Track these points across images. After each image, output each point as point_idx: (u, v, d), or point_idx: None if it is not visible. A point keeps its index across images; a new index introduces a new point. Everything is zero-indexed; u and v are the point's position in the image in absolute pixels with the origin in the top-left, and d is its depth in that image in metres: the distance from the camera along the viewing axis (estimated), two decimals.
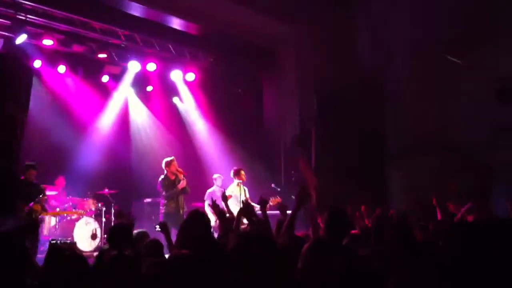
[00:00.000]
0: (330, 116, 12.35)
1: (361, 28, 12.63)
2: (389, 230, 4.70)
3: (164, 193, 10.38)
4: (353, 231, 5.68)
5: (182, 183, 10.41)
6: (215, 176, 11.53)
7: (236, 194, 10.88)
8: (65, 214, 11.09)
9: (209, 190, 11.33)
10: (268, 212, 7.57)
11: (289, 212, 7.28)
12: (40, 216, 10.08)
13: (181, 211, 10.34)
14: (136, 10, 11.41)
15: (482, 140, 11.10)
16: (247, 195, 11.05)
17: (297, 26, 12.65)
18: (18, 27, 10.78)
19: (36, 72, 11.68)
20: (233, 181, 11.14)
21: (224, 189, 11.16)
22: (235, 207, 10.64)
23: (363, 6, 12.57)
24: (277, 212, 10.87)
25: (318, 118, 12.54)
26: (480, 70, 11.13)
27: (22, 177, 9.79)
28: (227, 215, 8.87)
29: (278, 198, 10.67)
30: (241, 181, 11.08)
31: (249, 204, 7.57)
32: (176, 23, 12.21)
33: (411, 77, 11.98)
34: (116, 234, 5.75)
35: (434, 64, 11.75)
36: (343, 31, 12.10)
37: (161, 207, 10.47)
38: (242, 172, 11.12)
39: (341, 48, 12.02)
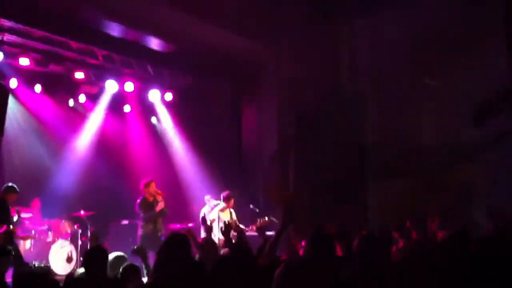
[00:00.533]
0: (309, 135, 12.39)
1: (340, 48, 12.75)
2: (374, 252, 4.65)
3: (142, 214, 10.25)
4: (336, 252, 5.64)
5: (160, 205, 10.30)
6: (207, 197, 11.45)
7: (223, 218, 10.74)
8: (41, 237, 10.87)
9: (203, 210, 11.21)
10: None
11: (271, 233, 7.26)
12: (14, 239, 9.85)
13: (159, 233, 10.23)
14: (115, 30, 11.34)
15: (459, 157, 11.26)
16: (234, 218, 10.94)
17: (276, 47, 12.73)
18: None
19: (12, 92, 11.49)
20: (218, 204, 10.99)
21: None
22: (218, 232, 10.56)
23: (342, 27, 12.69)
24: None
25: (297, 137, 12.57)
26: (454, 89, 11.33)
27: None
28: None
29: (267, 219, 10.56)
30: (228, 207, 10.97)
31: (229, 226, 7.50)
32: (154, 43, 12.17)
33: (389, 96, 12.13)
34: (92, 258, 5.61)
35: (412, 83, 11.91)
36: (323, 51, 12.19)
37: (139, 229, 10.33)
38: (232, 200, 11.03)
39: (321, 68, 12.11)
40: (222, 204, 10.93)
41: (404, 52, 11.75)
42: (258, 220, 10.70)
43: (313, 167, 12.30)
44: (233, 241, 6.96)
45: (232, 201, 11.03)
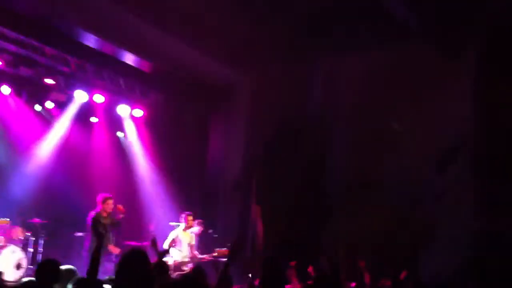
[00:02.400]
0: (275, 160, 12.50)
1: (310, 76, 12.98)
2: None
3: (92, 227, 10.06)
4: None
5: (112, 220, 10.19)
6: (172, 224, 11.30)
7: (181, 239, 10.66)
8: None
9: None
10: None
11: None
12: None
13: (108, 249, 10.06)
14: (90, 41, 11.30)
15: (419, 197, 11.48)
16: (193, 243, 10.85)
17: (246, 71, 12.85)
18: None
19: None
20: (177, 226, 10.90)
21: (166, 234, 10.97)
22: (177, 252, 10.48)
23: (314, 61, 12.91)
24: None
25: (263, 162, 12.66)
26: (419, 130, 11.62)
27: None
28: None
29: (224, 249, 10.51)
30: (189, 227, 10.88)
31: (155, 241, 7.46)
32: (129, 58, 12.15)
33: (353, 128, 12.39)
34: (44, 269, 5.55)
35: (376, 120, 12.16)
36: (292, 77, 12.40)
37: (86, 242, 10.17)
38: (190, 218, 10.93)
39: (289, 94, 12.30)
40: (183, 224, 10.84)
41: (372, 91, 12.04)
42: (217, 248, 10.65)
43: (276, 193, 12.38)
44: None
45: (193, 223, 10.95)
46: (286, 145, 12.54)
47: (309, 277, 8.47)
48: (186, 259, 10.60)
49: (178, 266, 10.37)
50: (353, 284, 8.27)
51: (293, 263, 9.11)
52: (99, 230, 9.65)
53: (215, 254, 10.53)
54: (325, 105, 13.02)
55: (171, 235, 10.69)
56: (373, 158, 12.04)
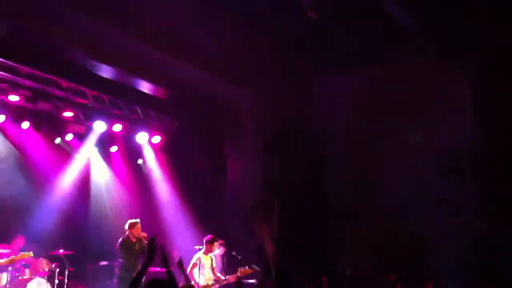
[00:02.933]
0: (292, 182, 12.55)
1: (312, 94, 13.09)
2: None
3: (121, 254, 10.09)
4: None
5: (141, 246, 10.16)
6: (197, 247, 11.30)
7: (204, 263, 10.64)
8: (17, 274, 10.73)
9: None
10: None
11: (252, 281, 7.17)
12: None
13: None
14: (105, 72, 11.48)
15: (418, 211, 11.45)
16: (214, 265, 10.82)
17: (252, 90, 12.95)
18: None
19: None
20: (200, 249, 10.91)
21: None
22: (201, 276, 10.47)
23: (314, 75, 13.02)
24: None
25: (279, 184, 12.71)
26: (417, 145, 11.63)
27: None
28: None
29: (248, 269, 10.49)
30: (210, 250, 10.86)
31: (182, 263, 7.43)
32: (144, 86, 12.32)
33: (353, 143, 12.44)
34: None
35: (376, 133, 12.20)
36: (294, 90, 12.54)
37: (116, 270, 10.20)
38: (215, 244, 10.91)
39: (293, 105, 12.41)
40: (204, 248, 10.81)
41: (374, 104, 12.11)
42: (240, 268, 10.64)
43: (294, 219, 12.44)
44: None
45: (214, 246, 10.91)
46: (289, 153, 12.64)
47: None
48: (210, 282, 10.58)
49: None
50: None
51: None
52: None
53: (239, 274, 10.50)
54: (326, 115, 13.11)
55: (193, 260, 10.69)
56: (373, 162, 12.15)
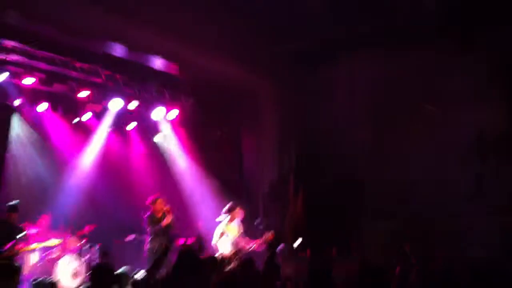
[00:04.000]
0: (308, 165, 12.55)
1: (337, 82, 12.96)
2: None
3: (149, 229, 10.39)
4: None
5: (167, 219, 10.44)
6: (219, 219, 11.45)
7: (229, 232, 10.79)
8: (46, 253, 10.99)
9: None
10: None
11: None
12: (20, 256, 10.02)
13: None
14: (118, 51, 11.56)
15: (445, 208, 11.40)
16: (241, 231, 10.98)
17: (274, 76, 12.91)
18: None
19: (17, 110, 11.70)
20: (224, 220, 11.05)
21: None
22: (227, 246, 10.65)
23: (339, 63, 12.90)
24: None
25: (297, 165, 12.73)
26: (444, 136, 11.52)
27: (4, 217, 9.69)
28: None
29: (270, 234, 10.67)
30: (233, 218, 10.95)
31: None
32: (157, 63, 12.37)
33: (380, 138, 12.33)
34: (98, 274, 5.77)
35: (403, 127, 12.09)
36: (320, 84, 12.41)
37: (146, 244, 10.47)
38: (237, 210, 10.94)
39: (318, 101, 12.31)
40: (227, 217, 10.94)
41: (392, 88, 12.01)
42: (265, 234, 10.77)
43: (311, 196, 12.50)
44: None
45: (237, 212, 10.96)
46: (318, 149, 12.60)
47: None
48: (236, 251, 10.73)
49: (230, 259, 10.50)
50: (397, 269, 8.30)
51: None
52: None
53: (264, 240, 10.65)
54: (353, 110, 13.00)
55: (218, 230, 10.83)
56: (399, 158, 12.06)
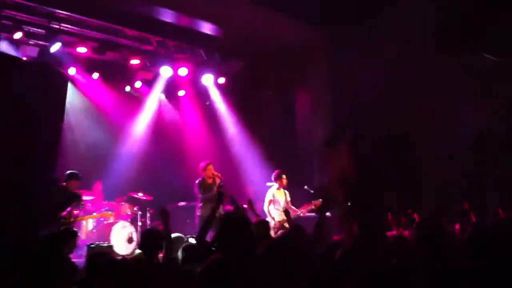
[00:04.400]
0: (362, 119, 12.35)
1: (389, 35, 12.60)
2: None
3: (200, 196, 10.48)
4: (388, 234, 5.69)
5: (218, 186, 10.50)
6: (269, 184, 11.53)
7: (278, 199, 10.85)
8: (102, 218, 11.27)
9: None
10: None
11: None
12: (77, 221, 10.33)
13: (217, 214, 10.36)
14: (167, 17, 11.57)
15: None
16: (288, 199, 11.01)
17: (326, 29, 12.65)
18: (53, 36, 11.04)
19: (71, 79, 11.91)
20: (272, 185, 11.06)
21: (263, 194, 11.18)
22: (276, 212, 10.70)
23: (390, 17, 12.53)
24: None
25: (350, 120, 12.55)
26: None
27: (63, 184, 9.94)
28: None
29: (319, 201, 10.63)
30: (283, 185, 10.96)
31: (288, 211, 7.60)
32: (206, 28, 12.32)
33: (440, 83, 12.00)
34: (147, 240, 5.86)
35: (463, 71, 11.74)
36: (371, 35, 12.09)
37: (196, 210, 10.57)
38: (284, 177, 10.96)
39: (370, 53, 12.01)
40: (275, 184, 10.99)
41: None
42: (314, 201, 10.77)
43: (366, 151, 12.30)
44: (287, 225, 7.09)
45: (283, 180, 11.01)
46: (372, 102, 12.34)
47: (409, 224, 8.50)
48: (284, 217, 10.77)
49: (280, 225, 10.55)
50: (457, 226, 8.18)
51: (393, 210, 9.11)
52: (219, 193, 10.00)
53: (313, 207, 10.66)
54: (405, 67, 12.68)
55: (268, 196, 10.89)
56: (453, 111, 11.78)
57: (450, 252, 4.50)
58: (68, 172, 9.93)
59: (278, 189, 10.93)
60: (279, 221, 10.57)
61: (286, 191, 11.05)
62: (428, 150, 12.07)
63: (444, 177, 11.44)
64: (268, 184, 11.23)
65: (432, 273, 4.03)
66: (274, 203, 10.73)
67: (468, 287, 3.79)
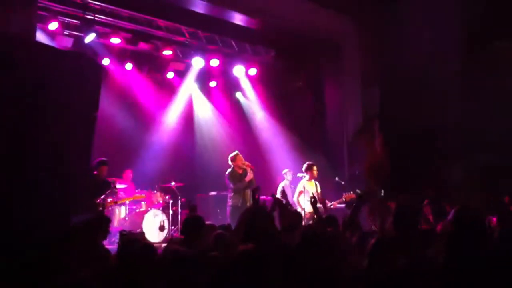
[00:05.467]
0: (393, 109, 12.26)
1: (421, 22, 12.45)
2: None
3: (231, 186, 10.56)
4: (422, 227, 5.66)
5: (249, 176, 10.58)
6: (284, 171, 11.63)
7: (308, 190, 10.86)
8: (134, 207, 11.44)
9: (281, 184, 11.47)
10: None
11: None
12: (110, 209, 10.51)
13: (247, 204, 10.45)
14: (199, 7, 11.62)
15: None
16: (319, 190, 11.04)
17: (358, 19, 12.60)
18: (87, 26, 11.19)
19: (105, 69, 12.08)
20: (303, 176, 11.11)
21: (294, 185, 11.22)
22: (307, 203, 10.73)
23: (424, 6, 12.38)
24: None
25: (381, 111, 12.47)
26: None
27: (95, 173, 10.13)
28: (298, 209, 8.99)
29: (352, 193, 10.64)
30: (313, 176, 11.00)
31: (317, 201, 7.65)
32: (237, 18, 12.34)
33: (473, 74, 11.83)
34: (189, 226, 5.94)
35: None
36: (404, 24, 11.96)
37: (228, 200, 10.65)
38: (314, 168, 11.02)
39: (402, 42, 11.90)
40: (306, 176, 11.03)
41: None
42: (344, 193, 10.77)
43: (396, 142, 12.22)
44: (320, 214, 7.10)
45: (314, 171, 11.05)
46: (403, 93, 12.23)
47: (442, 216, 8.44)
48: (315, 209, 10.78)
49: (311, 216, 10.57)
50: (494, 218, 8.09)
51: (426, 201, 9.03)
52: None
53: (343, 199, 10.67)
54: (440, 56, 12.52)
55: (299, 187, 10.94)
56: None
57: (491, 245, 4.45)
58: (97, 160, 10.11)
59: (309, 180, 10.97)
60: (310, 212, 10.61)
61: (316, 182, 11.08)
62: (458, 142, 11.96)
63: (474, 170, 11.33)
64: (299, 175, 11.27)
65: (472, 267, 3.97)
66: (305, 194, 10.76)
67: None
